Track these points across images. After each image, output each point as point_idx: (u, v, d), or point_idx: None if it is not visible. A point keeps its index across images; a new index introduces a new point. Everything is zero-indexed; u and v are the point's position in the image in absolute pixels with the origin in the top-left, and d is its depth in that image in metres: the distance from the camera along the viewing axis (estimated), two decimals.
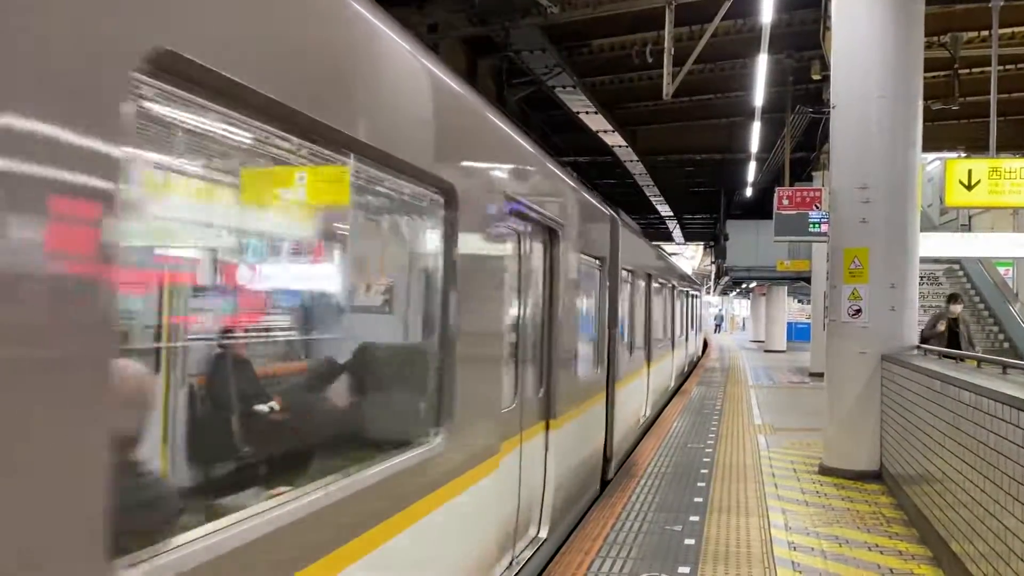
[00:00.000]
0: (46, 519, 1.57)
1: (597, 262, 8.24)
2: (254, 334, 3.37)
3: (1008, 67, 16.38)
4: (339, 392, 3.72)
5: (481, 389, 4.32)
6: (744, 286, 51.47)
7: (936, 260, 21.06)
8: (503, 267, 4.68)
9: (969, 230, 25.20)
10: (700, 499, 7.81)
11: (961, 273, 22.98)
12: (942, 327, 10.64)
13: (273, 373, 3.48)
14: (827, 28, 11.40)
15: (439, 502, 3.63)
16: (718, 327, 66.43)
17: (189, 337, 3.07)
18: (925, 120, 9.50)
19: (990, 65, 13.02)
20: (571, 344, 6.66)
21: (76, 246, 1.61)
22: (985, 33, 14.30)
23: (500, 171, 4.70)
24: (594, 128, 20.57)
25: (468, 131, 4.26)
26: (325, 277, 3.54)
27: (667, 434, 11.74)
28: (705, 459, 9.85)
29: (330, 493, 2.72)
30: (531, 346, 5.69)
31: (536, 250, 5.79)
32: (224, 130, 2.31)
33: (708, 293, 53.88)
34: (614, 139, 21.61)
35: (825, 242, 11.27)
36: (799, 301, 51.29)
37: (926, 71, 9.65)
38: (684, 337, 20.97)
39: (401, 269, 4.19)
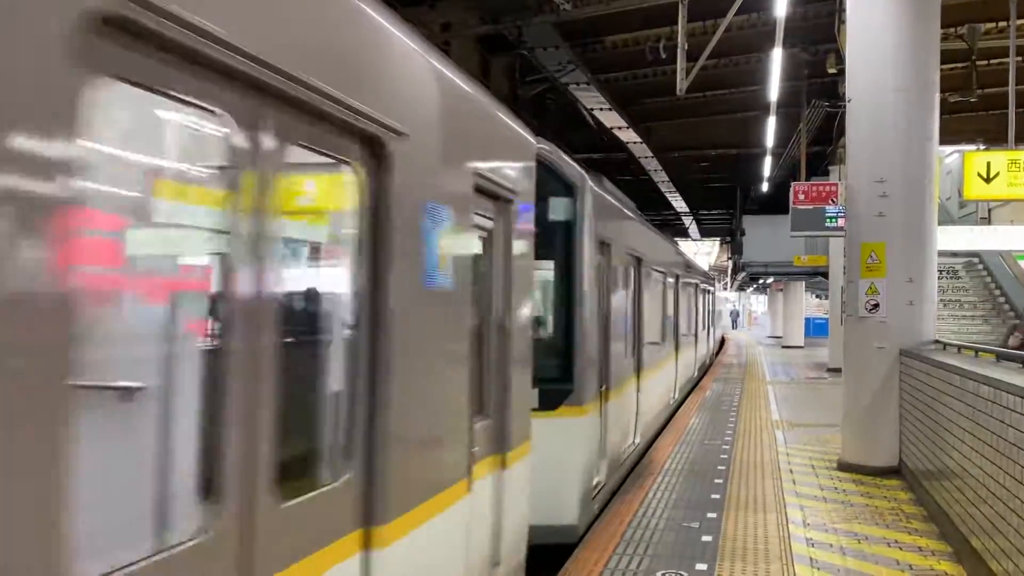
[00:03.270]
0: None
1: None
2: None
3: None
4: None
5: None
6: (761, 282, 51.21)
7: (955, 254, 20.89)
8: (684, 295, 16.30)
9: (989, 223, 24.94)
10: (718, 496, 7.78)
11: (981, 267, 22.77)
12: (1015, 341, 10.24)
13: None
14: (842, 21, 11.32)
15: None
16: (734, 323, 66.08)
17: None
18: (943, 112, 9.41)
19: (1008, 56, 12.87)
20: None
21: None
22: (1003, 23, 14.14)
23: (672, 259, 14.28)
24: (608, 124, 20.53)
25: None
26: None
27: (684, 431, 11.71)
28: (722, 456, 9.82)
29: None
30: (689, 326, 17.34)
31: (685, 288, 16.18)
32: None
33: (724, 289, 53.70)
34: (628, 135, 21.55)
35: (842, 237, 11.18)
36: (817, 296, 50.95)
37: (943, 63, 9.56)
38: (713, 324, 29.54)
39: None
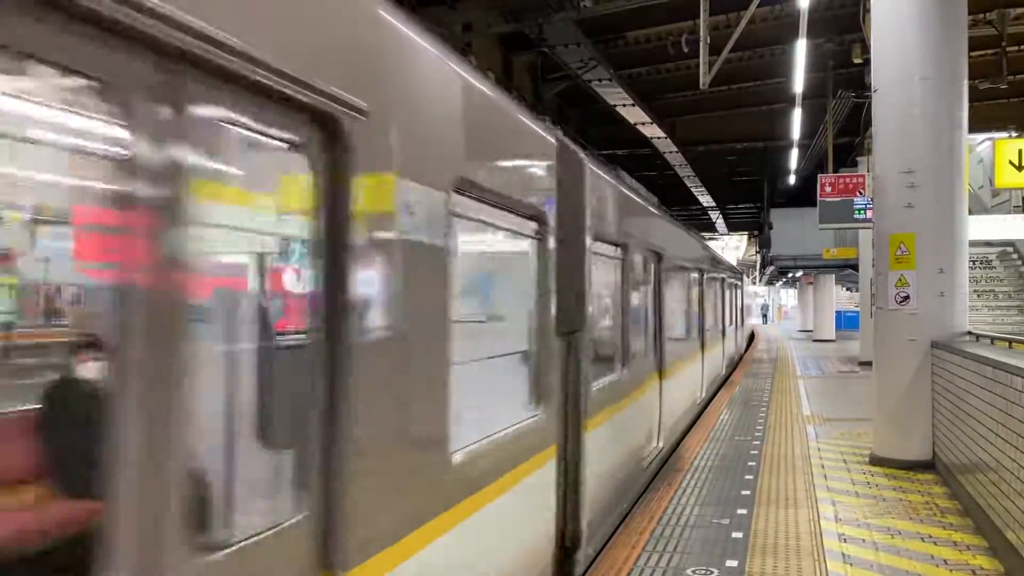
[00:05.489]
0: None
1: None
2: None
3: None
4: None
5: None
6: (790, 275, 50.72)
7: (989, 243, 20.50)
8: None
9: (1023, 211, 24.48)
10: (748, 492, 7.73)
11: (1016, 256, 22.34)
12: None
13: None
14: (867, 10, 11.18)
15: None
16: (764, 317, 65.48)
17: None
18: (973, 100, 9.26)
19: None
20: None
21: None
22: None
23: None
24: (632, 120, 20.47)
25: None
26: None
27: (714, 427, 11.64)
28: (753, 451, 9.75)
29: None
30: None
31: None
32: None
33: (753, 283, 53.24)
34: (653, 131, 21.48)
35: (871, 228, 11.05)
36: (848, 289, 50.34)
37: (972, 49, 9.41)
38: (746, 315, 34.96)
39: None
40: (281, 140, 2.30)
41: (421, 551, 2.88)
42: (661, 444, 9.15)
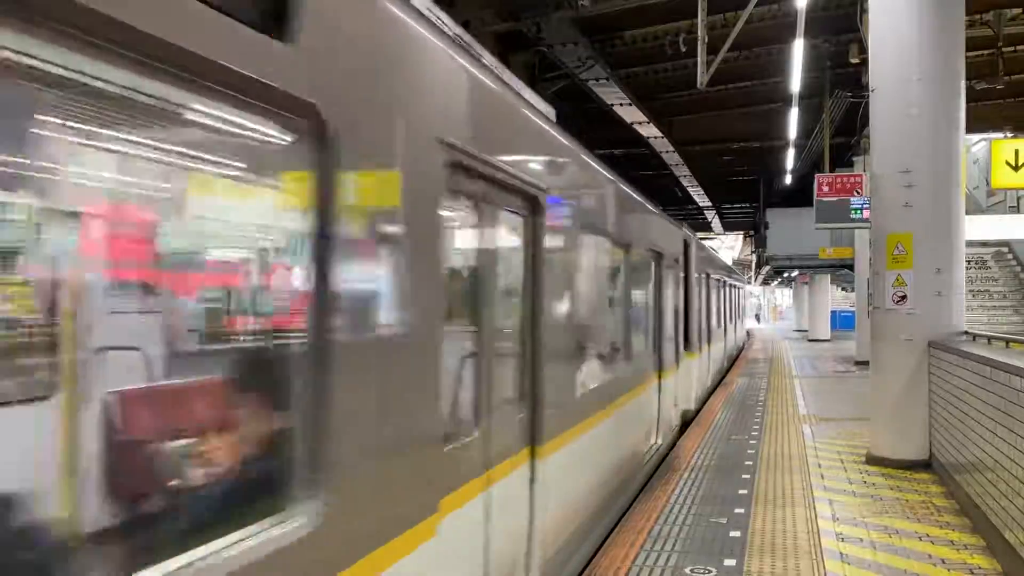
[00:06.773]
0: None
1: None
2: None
3: None
4: None
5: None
6: (786, 275, 50.79)
7: (984, 243, 20.56)
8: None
9: (1018, 211, 24.54)
10: (745, 491, 7.73)
11: (1010, 256, 22.41)
12: None
13: None
14: (864, 10, 11.18)
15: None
16: (757, 317, 65.57)
17: None
18: (969, 100, 9.26)
19: None
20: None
21: None
22: None
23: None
24: (629, 120, 20.43)
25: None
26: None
27: (711, 426, 11.65)
28: (749, 451, 9.76)
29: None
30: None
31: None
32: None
33: (748, 283, 53.28)
34: (650, 130, 21.44)
35: (867, 228, 11.06)
36: (843, 289, 50.45)
37: (969, 50, 9.42)
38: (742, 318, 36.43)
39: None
40: (517, 212, 4.45)
41: (571, 441, 5.30)
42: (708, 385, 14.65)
